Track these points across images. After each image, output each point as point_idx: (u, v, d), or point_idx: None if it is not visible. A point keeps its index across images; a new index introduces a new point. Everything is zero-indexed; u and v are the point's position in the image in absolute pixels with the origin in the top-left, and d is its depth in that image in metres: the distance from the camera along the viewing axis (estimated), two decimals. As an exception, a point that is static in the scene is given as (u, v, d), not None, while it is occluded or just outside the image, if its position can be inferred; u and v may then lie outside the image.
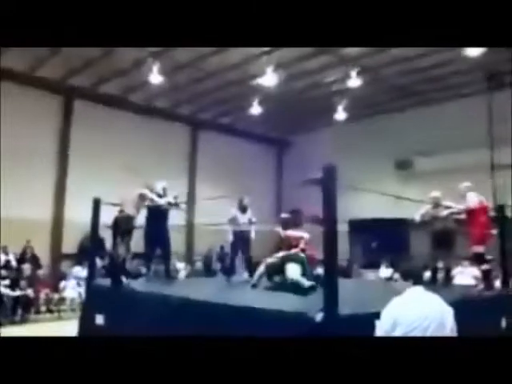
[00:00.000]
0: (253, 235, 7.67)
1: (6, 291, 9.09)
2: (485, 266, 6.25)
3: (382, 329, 2.75)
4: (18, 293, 9.23)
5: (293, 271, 5.70)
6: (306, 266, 5.79)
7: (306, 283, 5.35)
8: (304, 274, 5.67)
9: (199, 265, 13.57)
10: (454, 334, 2.75)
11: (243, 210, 7.69)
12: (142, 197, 6.91)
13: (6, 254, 10.59)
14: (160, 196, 7.29)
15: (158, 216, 7.28)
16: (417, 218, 6.87)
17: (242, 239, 7.58)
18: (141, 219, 7.04)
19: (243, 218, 7.62)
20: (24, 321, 9.16)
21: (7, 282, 9.36)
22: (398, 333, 2.64)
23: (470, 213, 6.28)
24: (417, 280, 2.92)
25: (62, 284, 10.56)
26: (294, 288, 5.37)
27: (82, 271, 10.55)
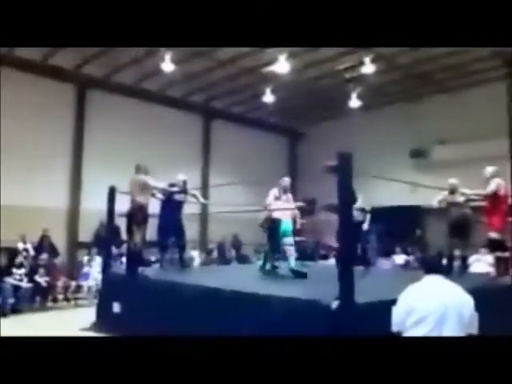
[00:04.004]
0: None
1: (25, 279, 9.23)
2: (502, 253, 6.15)
3: (397, 315, 2.76)
4: (37, 280, 9.36)
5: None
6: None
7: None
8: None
9: (213, 253, 13.62)
10: (475, 323, 2.73)
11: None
12: (145, 185, 6.87)
13: (24, 242, 10.75)
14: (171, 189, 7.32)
15: (171, 206, 7.32)
16: (434, 204, 6.81)
17: None
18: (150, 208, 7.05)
19: None
20: (42, 309, 9.30)
21: (25, 270, 9.49)
22: (413, 319, 2.64)
23: (493, 199, 6.10)
24: (434, 268, 2.88)
25: (80, 272, 10.68)
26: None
27: (88, 262, 10.74)
